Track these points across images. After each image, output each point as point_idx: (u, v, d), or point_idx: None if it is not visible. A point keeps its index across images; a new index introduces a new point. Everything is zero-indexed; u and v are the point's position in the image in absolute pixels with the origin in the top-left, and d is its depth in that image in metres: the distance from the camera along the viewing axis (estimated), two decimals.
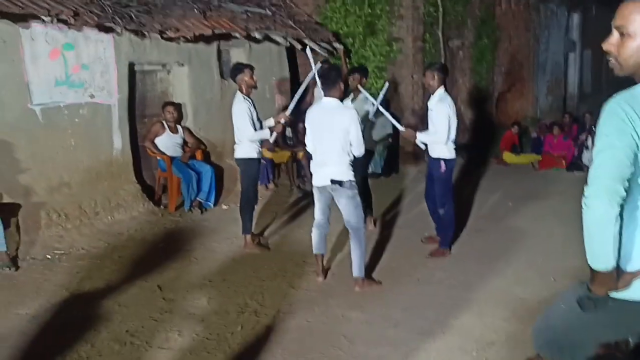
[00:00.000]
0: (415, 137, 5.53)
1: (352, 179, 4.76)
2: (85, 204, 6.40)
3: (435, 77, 5.48)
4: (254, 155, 5.72)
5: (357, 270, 4.84)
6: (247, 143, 5.65)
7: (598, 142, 1.89)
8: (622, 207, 1.88)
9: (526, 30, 13.69)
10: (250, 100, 5.69)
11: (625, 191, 1.87)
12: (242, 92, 5.68)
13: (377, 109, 5.78)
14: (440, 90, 5.50)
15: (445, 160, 5.53)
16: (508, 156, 10.62)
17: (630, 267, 2.00)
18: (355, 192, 4.80)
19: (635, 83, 1.96)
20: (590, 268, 1.99)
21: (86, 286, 4.99)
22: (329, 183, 4.71)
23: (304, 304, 4.61)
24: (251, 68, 5.76)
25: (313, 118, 4.82)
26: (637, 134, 1.83)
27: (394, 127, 5.94)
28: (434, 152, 5.60)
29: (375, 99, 5.87)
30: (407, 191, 8.39)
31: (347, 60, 9.61)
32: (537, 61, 14.24)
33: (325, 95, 4.78)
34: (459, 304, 4.51)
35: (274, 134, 5.71)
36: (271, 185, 8.34)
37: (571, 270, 4.91)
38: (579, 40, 16.70)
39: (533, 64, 14.06)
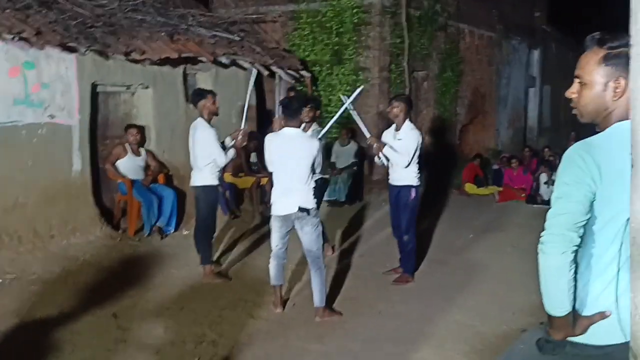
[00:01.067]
0: (382, 148, 5.60)
1: (316, 206, 4.78)
2: (40, 227, 6.21)
3: (399, 107, 5.63)
4: (215, 182, 5.65)
5: (318, 300, 4.80)
6: (207, 170, 5.54)
7: (557, 189, 1.94)
8: (576, 252, 1.92)
9: (489, 65, 14.05)
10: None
11: (580, 238, 1.91)
12: (203, 118, 5.59)
13: (353, 111, 5.74)
14: (408, 122, 5.66)
15: (415, 187, 5.67)
16: (470, 187, 10.79)
17: (586, 312, 2.02)
18: (318, 221, 4.82)
19: (595, 129, 2.02)
20: (548, 314, 2.01)
21: (37, 313, 4.80)
22: (295, 211, 4.67)
23: (263, 334, 4.53)
24: (213, 94, 5.71)
25: (276, 147, 4.78)
26: (594, 183, 1.88)
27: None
28: (403, 180, 5.69)
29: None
30: (369, 219, 8.40)
31: (314, 88, 9.67)
32: (499, 95, 14.61)
33: (285, 125, 4.79)
34: (419, 338, 4.50)
35: (231, 150, 5.72)
36: (235, 211, 8.24)
37: (531, 304, 4.95)
38: (538, 76, 17.22)
39: (495, 98, 14.42)
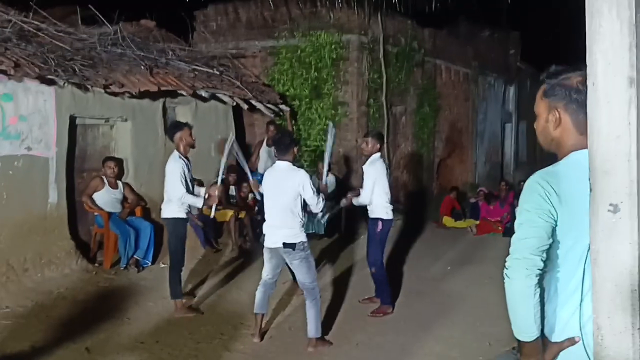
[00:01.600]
0: (352, 204, 5.96)
1: (305, 239, 4.81)
2: (14, 260, 6.11)
3: (369, 143, 5.87)
4: (182, 215, 5.61)
5: (312, 330, 4.81)
6: (176, 202, 5.52)
7: (519, 216, 2.00)
8: (542, 277, 1.96)
9: (465, 100, 14.32)
10: (185, 160, 5.59)
11: (543, 262, 1.96)
12: (179, 150, 5.60)
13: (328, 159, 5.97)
14: (374, 155, 5.84)
15: (382, 220, 5.76)
16: (447, 220, 10.87)
17: (555, 338, 2.05)
18: (308, 253, 4.86)
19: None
20: (517, 340, 2.04)
21: (9, 348, 4.71)
22: (281, 246, 4.73)
23: None
24: (189, 127, 5.75)
25: (268, 181, 4.94)
26: (554, 209, 1.94)
27: (335, 186, 6.17)
28: (373, 213, 5.79)
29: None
30: (348, 252, 8.41)
31: (293, 122, 9.76)
32: (476, 130, 14.85)
33: (278, 159, 4.93)
34: None
35: (213, 206, 5.78)
36: (214, 245, 8.20)
37: (507, 334, 4.91)
38: (514, 111, 17.58)
39: (472, 133, 14.66)
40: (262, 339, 5.02)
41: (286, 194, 4.75)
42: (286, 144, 4.88)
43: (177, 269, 5.65)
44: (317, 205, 4.86)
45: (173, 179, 5.48)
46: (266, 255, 4.96)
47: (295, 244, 4.70)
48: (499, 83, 16.36)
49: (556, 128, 2.07)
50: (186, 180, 5.52)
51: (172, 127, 5.78)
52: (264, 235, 4.93)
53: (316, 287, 4.88)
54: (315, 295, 4.84)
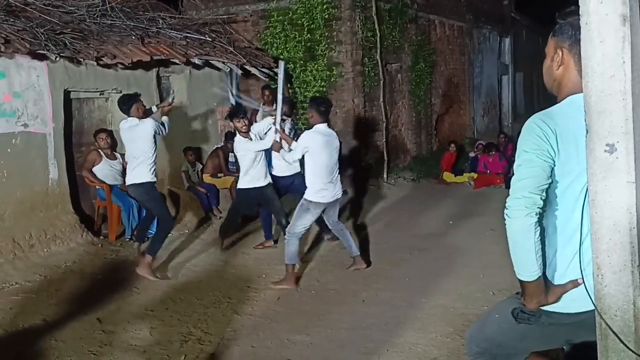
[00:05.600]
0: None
1: None
2: (19, 237, 6.16)
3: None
4: (154, 178, 5.84)
5: (354, 250, 5.85)
6: (145, 167, 5.71)
7: (518, 157, 2.01)
8: (541, 215, 1.98)
9: (461, 55, 14.18)
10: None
11: (543, 201, 1.97)
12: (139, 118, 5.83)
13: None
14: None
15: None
16: (448, 176, 10.89)
17: (558, 281, 2.08)
18: None
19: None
20: (520, 281, 2.07)
21: (20, 322, 4.78)
22: (340, 197, 5.64)
23: (248, 329, 4.56)
24: (139, 95, 6.12)
25: (321, 142, 5.40)
26: (552, 149, 1.96)
27: None
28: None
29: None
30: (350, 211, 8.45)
31: (289, 85, 9.69)
32: (473, 84, 14.75)
33: (322, 122, 5.46)
34: (403, 323, 4.56)
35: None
36: (216, 212, 8.25)
37: (509, 283, 5.02)
38: (511, 63, 17.42)
39: (469, 87, 14.55)
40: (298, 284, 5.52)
41: (336, 153, 5.51)
42: (329, 108, 5.56)
43: (166, 231, 5.96)
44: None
45: (145, 141, 5.70)
46: (316, 211, 5.48)
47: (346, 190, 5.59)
48: (494, 35, 16.17)
49: (559, 67, 2.07)
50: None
51: (127, 100, 5.88)
52: (316, 192, 5.41)
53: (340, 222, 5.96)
54: (342, 226, 5.91)
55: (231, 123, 6.36)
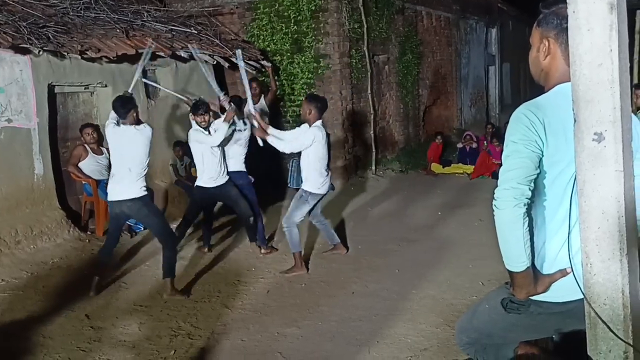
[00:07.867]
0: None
1: None
2: (5, 233, 6.09)
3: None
4: (146, 191, 5.21)
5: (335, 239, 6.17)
6: (142, 178, 5.13)
7: (506, 148, 2.00)
8: (530, 206, 1.98)
9: (448, 46, 14.18)
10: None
11: (531, 192, 1.97)
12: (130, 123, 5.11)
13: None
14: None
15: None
16: (436, 167, 10.91)
17: (547, 270, 2.08)
18: None
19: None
20: (509, 272, 2.06)
21: (7, 319, 4.74)
22: (331, 189, 5.83)
23: (238, 323, 4.55)
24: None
25: (320, 136, 5.51)
26: (540, 139, 1.95)
27: None
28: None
29: None
30: (333, 204, 8.45)
31: (276, 78, 9.64)
32: (460, 75, 14.76)
33: (319, 119, 5.58)
34: (393, 314, 4.57)
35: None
36: None
37: (499, 274, 5.05)
38: (497, 54, 17.45)
39: (456, 78, 14.57)
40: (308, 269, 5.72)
41: (326, 146, 5.64)
42: (326, 107, 5.67)
43: (175, 249, 5.35)
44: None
45: (144, 150, 5.11)
46: (314, 201, 5.67)
47: (332, 184, 5.93)
48: (480, 26, 16.18)
49: (545, 57, 2.06)
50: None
51: (126, 104, 5.14)
52: (318, 184, 5.59)
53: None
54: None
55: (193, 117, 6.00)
